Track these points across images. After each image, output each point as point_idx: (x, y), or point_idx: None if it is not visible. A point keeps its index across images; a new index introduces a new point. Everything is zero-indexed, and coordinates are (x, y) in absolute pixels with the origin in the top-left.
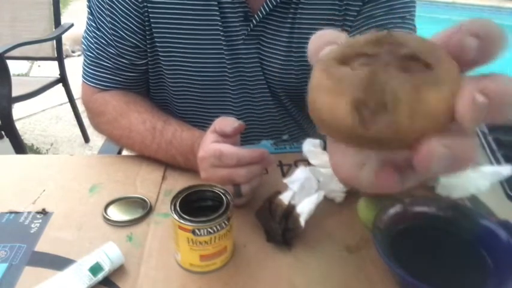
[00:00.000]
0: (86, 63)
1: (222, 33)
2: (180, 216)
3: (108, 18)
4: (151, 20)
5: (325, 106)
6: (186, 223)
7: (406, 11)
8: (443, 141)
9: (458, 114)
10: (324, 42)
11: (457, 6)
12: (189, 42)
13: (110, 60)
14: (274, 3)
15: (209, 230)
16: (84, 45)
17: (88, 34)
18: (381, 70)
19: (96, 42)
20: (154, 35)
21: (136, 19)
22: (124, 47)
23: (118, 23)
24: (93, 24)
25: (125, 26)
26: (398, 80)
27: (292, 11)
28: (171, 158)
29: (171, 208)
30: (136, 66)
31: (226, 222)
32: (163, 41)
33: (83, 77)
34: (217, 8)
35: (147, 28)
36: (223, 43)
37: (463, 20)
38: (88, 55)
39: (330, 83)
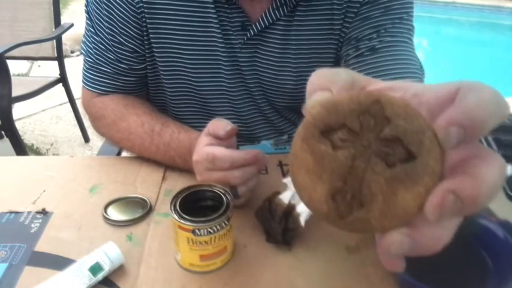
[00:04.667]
0: (85, 68)
1: (220, 40)
2: (180, 216)
3: (106, 24)
4: (148, 26)
5: (304, 186)
6: (186, 223)
7: (404, 11)
8: (405, 231)
9: (426, 211)
10: (318, 86)
11: (457, 6)
12: (187, 48)
13: (108, 65)
14: (274, 17)
15: (209, 230)
16: (83, 50)
17: (87, 39)
18: (361, 155)
19: (94, 48)
20: (152, 40)
21: (135, 24)
22: (122, 52)
23: (116, 28)
24: (92, 30)
25: (123, 31)
26: (375, 174)
27: (290, 19)
28: (170, 159)
29: (171, 208)
30: (135, 71)
31: (226, 222)
32: (160, 46)
33: (83, 81)
34: (215, 16)
35: (145, 33)
36: (221, 50)
37: (465, 19)
38: (87, 60)
39: (310, 161)
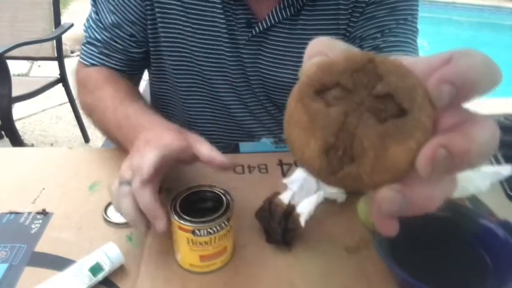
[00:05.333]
0: (83, 43)
1: (225, 36)
2: (180, 217)
3: (108, 5)
4: (157, 15)
5: (297, 143)
6: (185, 223)
7: (409, 13)
8: (396, 187)
9: (417, 165)
10: (316, 52)
11: (457, 6)
12: (194, 41)
13: (103, 42)
14: (281, 17)
15: (209, 230)
16: (85, 26)
17: (90, 16)
18: (353, 111)
19: (94, 24)
20: (160, 29)
21: (137, 11)
22: (120, 33)
23: (118, 11)
24: (93, 9)
25: (125, 15)
26: (367, 129)
27: (296, 18)
28: (121, 135)
29: (170, 209)
30: (129, 53)
31: (226, 222)
32: (167, 36)
33: (79, 55)
34: (221, 11)
35: (149, 23)
36: (225, 45)
37: (465, 19)
38: (86, 36)
39: (304, 119)
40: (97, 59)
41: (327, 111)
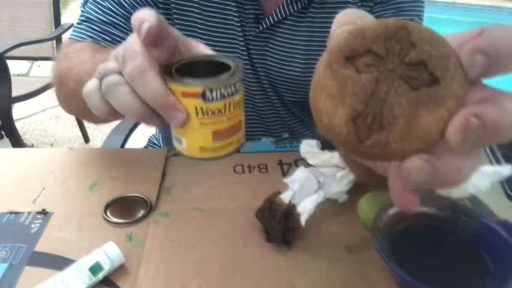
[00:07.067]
0: (76, 24)
1: (238, 30)
2: (183, 78)
3: None
4: (173, 11)
5: (324, 110)
6: (193, 84)
7: (415, 14)
8: (425, 157)
9: (448, 134)
10: (345, 21)
11: (457, 6)
12: (208, 33)
13: (103, 15)
14: (288, 12)
15: (222, 91)
16: (82, 6)
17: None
18: (385, 79)
19: (93, 5)
20: (175, 21)
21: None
22: (125, 13)
23: None
24: None
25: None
26: (398, 96)
27: (303, 15)
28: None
29: (167, 75)
30: (128, 30)
31: (239, 84)
32: (181, 28)
33: (71, 34)
34: (235, 4)
35: (161, 12)
36: (239, 39)
37: (465, 19)
38: (81, 15)
39: (333, 86)
40: (91, 35)
41: (357, 77)
